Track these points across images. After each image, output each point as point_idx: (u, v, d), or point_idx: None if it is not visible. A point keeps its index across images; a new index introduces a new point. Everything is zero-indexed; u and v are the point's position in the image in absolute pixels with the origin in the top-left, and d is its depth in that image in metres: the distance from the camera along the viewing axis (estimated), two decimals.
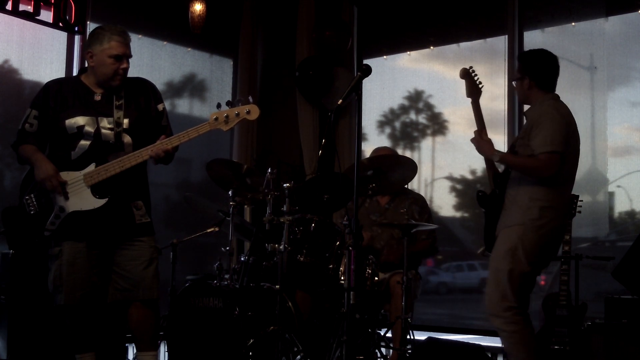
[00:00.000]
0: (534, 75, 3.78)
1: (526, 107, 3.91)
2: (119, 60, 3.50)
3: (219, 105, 3.46)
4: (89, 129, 3.47)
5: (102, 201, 3.45)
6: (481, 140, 3.79)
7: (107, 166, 3.44)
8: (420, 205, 4.92)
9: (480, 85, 3.89)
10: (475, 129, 3.83)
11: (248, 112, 3.44)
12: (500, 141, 5.57)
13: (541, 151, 3.57)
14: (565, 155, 3.60)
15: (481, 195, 3.88)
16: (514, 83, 3.92)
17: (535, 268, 3.70)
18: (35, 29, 5.48)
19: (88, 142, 3.47)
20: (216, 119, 3.44)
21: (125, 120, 3.53)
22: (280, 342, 3.87)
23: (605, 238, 5.59)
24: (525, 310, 3.67)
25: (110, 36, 3.49)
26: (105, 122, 3.50)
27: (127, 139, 3.53)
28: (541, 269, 3.81)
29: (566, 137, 3.61)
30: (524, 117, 3.90)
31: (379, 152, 4.93)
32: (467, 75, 3.88)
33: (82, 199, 3.44)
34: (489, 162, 3.86)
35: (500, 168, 3.90)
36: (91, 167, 3.45)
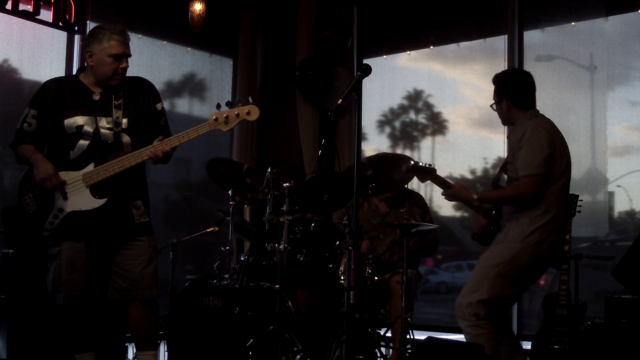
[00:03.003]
0: (510, 96, 3.82)
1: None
2: (119, 59, 3.49)
3: (218, 106, 3.45)
4: (88, 128, 3.47)
5: (101, 201, 3.44)
6: (455, 190, 3.83)
7: (107, 166, 3.43)
8: (422, 207, 4.91)
9: (430, 166, 3.94)
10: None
11: (248, 113, 3.43)
12: (500, 141, 5.56)
13: (522, 174, 3.65)
14: (551, 173, 3.64)
15: (477, 237, 3.92)
16: (492, 107, 3.93)
17: (522, 289, 3.79)
18: (35, 28, 5.48)
19: (87, 142, 3.47)
20: (216, 119, 3.43)
21: (124, 120, 3.53)
22: (280, 342, 3.87)
23: (605, 238, 5.59)
24: (493, 318, 3.68)
25: (110, 35, 3.48)
26: (104, 122, 3.49)
27: (126, 138, 3.52)
28: (526, 289, 3.87)
29: (549, 156, 3.64)
30: (508, 140, 3.90)
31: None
32: (412, 170, 3.98)
33: (81, 199, 3.44)
34: (478, 207, 3.91)
35: None
36: (90, 167, 3.44)
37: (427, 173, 3.94)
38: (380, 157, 4.59)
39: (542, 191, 3.64)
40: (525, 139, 3.67)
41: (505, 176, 3.84)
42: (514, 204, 3.73)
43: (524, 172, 3.63)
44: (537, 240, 3.64)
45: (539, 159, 3.61)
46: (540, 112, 3.88)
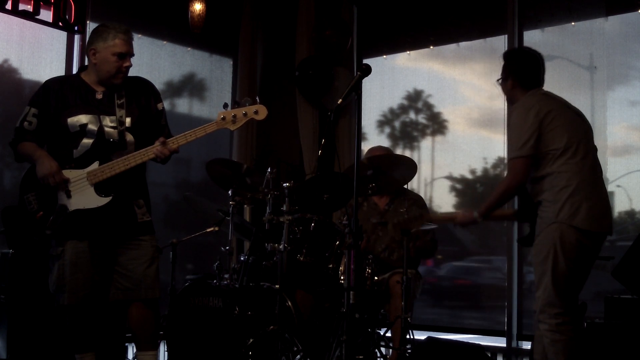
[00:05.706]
0: (516, 74, 3.77)
1: None
2: (123, 58, 3.50)
3: (225, 105, 3.46)
4: (92, 127, 3.46)
5: (106, 199, 3.43)
6: (459, 218, 3.82)
7: (112, 164, 3.43)
8: (420, 206, 4.90)
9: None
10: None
11: (256, 112, 3.44)
12: (500, 140, 5.57)
13: (508, 159, 3.63)
14: (541, 151, 3.55)
15: (521, 240, 3.88)
16: (497, 82, 3.90)
17: (577, 267, 3.55)
18: (35, 28, 5.48)
19: (91, 141, 3.46)
20: (223, 118, 3.43)
21: (128, 119, 3.53)
22: (280, 342, 3.87)
23: None
24: (573, 314, 3.55)
25: (115, 34, 3.49)
26: (107, 121, 3.49)
27: (129, 137, 3.52)
28: (587, 266, 3.65)
29: (531, 137, 3.53)
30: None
31: (373, 152, 4.91)
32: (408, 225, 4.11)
33: (85, 197, 3.43)
34: (498, 216, 3.90)
35: (508, 205, 3.92)
36: (95, 165, 3.44)
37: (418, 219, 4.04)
38: (380, 157, 4.59)
39: (528, 174, 3.56)
40: (511, 121, 3.65)
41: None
42: (512, 196, 3.66)
43: (509, 155, 3.60)
44: (569, 215, 3.48)
45: (521, 142, 3.54)
46: None
